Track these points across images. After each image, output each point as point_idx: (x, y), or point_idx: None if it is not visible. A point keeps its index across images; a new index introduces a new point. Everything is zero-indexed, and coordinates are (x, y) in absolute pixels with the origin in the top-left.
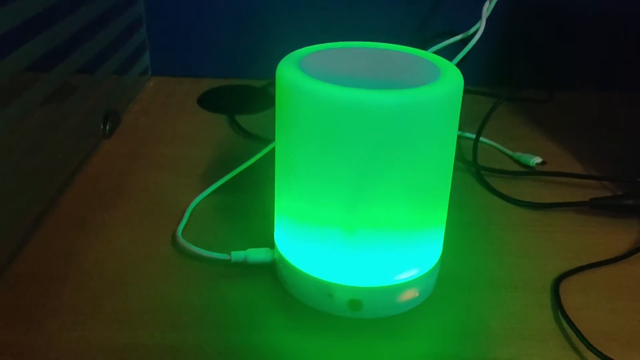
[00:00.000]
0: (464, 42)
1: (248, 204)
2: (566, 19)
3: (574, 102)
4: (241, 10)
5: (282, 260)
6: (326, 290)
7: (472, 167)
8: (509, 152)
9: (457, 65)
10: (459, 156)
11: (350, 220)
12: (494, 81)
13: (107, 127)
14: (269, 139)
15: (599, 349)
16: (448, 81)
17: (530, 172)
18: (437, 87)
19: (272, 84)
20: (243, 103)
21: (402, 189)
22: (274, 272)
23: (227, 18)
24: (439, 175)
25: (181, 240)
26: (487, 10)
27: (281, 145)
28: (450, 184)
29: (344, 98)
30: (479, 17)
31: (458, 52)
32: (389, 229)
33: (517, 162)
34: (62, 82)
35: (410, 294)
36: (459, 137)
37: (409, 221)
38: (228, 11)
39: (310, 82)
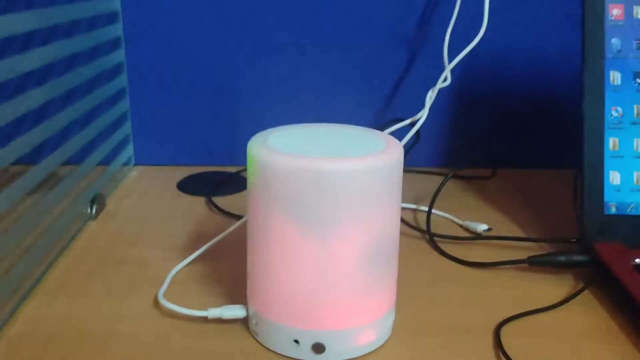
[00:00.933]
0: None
1: (224, 270)
2: (504, 109)
3: (514, 178)
4: (217, 105)
5: (253, 312)
6: (292, 336)
7: (426, 234)
8: (459, 222)
9: (413, 148)
10: (415, 226)
11: (313, 276)
12: (445, 162)
13: (94, 210)
14: (243, 215)
15: None
16: (390, 151)
17: (477, 237)
18: (380, 155)
19: (245, 169)
20: (219, 186)
21: (357, 244)
22: (247, 327)
23: (204, 112)
24: (389, 228)
25: (162, 301)
26: (429, 98)
27: (252, 211)
28: (398, 237)
29: (304, 166)
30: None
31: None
32: (348, 280)
33: (467, 229)
34: (52, 172)
35: (368, 337)
36: (416, 211)
37: (365, 274)
38: (206, 105)
39: (272, 153)
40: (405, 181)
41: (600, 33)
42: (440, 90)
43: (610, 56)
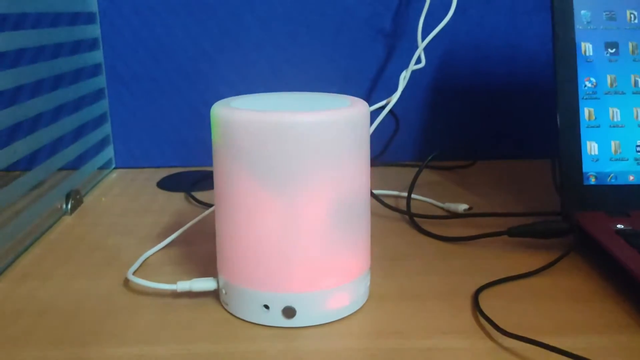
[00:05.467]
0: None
1: (199, 254)
2: (483, 102)
3: (494, 167)
4: (197, 105)
5: (223, 283)
6: (262, 301)
7: (406, 214)
8: (440, 204)
9: (394, 141)
10: (395, 208)
11: (279, 235)
12: (427, 157)
13: (70, 205)
14: None
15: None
16: (355, 106)
17: (458, 216)
18: (344, 109)
19: None
20: (199, 183)
21: (324, 202)
22: (218, 300)
23: (184, 113)
24: (357, 187)
25: (131, 277)
26: (403, 79)
27: (216, 174)
28: (369, 198)
29: (264, 119)
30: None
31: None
32: (315, 238)
33: (447, 210)
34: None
35: (340, 301)
36: (397, 197)
37: (333, 233)
38: (186, 105)
39: (233, 110)
40: (387, 173)
41: (569, 5)
42: (421, 85)
43: (581, 27)
